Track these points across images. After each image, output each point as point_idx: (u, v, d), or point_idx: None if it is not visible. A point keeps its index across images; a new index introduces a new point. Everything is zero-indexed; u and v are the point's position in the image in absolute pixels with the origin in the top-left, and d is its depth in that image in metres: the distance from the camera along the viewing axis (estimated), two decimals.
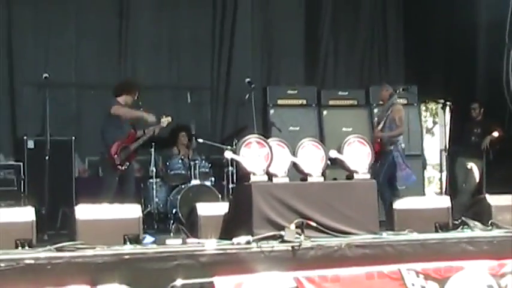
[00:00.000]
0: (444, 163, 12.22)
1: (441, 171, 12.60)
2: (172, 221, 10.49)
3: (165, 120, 10.45)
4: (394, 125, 10.40)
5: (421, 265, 6.90)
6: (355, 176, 7.71)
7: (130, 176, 10.19)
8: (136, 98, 10.15)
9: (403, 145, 10.38)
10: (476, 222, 8.04)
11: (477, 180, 11.49)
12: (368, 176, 7.75)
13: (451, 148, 11.88)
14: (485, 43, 12.43)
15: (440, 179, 12.58)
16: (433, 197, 11.93)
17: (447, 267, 6.96)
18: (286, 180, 7.46)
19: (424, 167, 12.86)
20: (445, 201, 8.29)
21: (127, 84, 10.33)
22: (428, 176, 15.85)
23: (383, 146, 10.23)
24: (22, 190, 10.78)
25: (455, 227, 8.02)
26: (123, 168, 9.94)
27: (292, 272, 6.50)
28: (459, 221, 8.12)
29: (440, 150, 12.81)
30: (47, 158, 9.46)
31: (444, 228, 7.95)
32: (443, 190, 11.87)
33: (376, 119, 11.12)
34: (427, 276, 6.85)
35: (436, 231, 7.90)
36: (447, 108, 11.75)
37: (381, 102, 11.23)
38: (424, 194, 12.40)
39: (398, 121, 10.40)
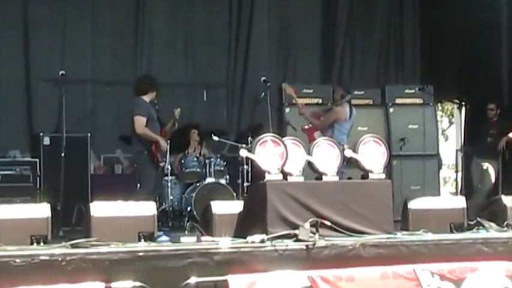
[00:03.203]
0: (460, 163, 12.18)
1: (457, 171, 12.56)
2: (186, 219, 10.50)
3: (177, 113, 10.25)
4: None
5: (435, 265, 6.88)
6: (370, 175, 7.70)
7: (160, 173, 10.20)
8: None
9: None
10: (492, 223, 8.01)
11: (493, 180, 11.44)
12: (383, 175, 7.74)
13: (466, 148, 11.84)
14: (507, 42, 12.37)
15: (456, 180, 12.54)
16: (449, 198, 11.89)
17: (462, 268, 6.94)
18: (301, 179, 7.46)
19: (439, 167, 12.82)
20: (461, 202, 8.27)
21: (151, 80, 9.99)
22: (443, 176, 15.82)
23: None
24: (38, 186, 10.83)
25: (470, 228, 7.99)
26: (162, 165, 9.93)
27: (306, 271, 6.50)
28: (474, 221, 8.09)
29: (456, 151, 12.77)
30: (62, 154, 9.46)
31: (459, 228, 7.93)
32: (459, 190, 11.82)
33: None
34: (442, 277, 6.83)
35: (451, 231, 7.88)
36: (463, 109, 11.71)
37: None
38: (439, 194, 12.36)
39: (327, 117, 10.27)
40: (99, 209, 7.06)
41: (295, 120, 11.55)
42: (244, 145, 10.14)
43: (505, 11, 12.32)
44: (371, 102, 12.67)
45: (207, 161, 11.07)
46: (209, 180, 10.93)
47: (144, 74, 11.68)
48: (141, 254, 6.29)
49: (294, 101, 10.95)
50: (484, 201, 10.01)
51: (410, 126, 12.42)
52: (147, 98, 9.73)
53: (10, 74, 11.97)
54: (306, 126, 10.43)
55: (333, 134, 9.88)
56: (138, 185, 9.96)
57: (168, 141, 10.07)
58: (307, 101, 12.22)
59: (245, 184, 10.92)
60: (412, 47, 14.28)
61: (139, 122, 9.49)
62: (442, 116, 19.58)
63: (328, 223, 7.13)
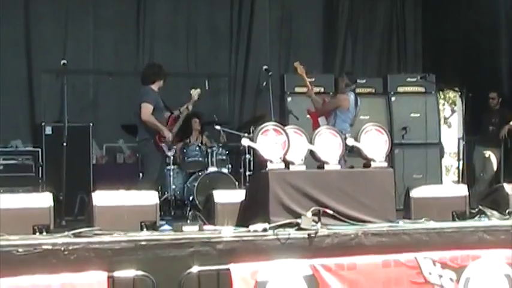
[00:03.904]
0: (462, 152, 12.19)
1: (459, 159, 12.57)
2: (189, 208, 10.51)
3: (196, 93, 10.34)
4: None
5: (437, 254, 6.88)
6: (372, 164, 7.69)
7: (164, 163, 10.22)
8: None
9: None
10: (494, 211, 8.01)
11: (495, 169, 11.47)
12: (385, 164, 7.74)
13: (468, 137, 11.85)
14: (506, 30, 12.36)
15: (458, 168, 12.55)
16: (451, 186, 11.87)
17: (464, 256, 6.94)
18: (303, 168, 7.45)
19: (441, 155, 12.82)
20: (463, 190, 8.25)
21: (157, 69, 9.98)
22: (445, 164, 15.82)
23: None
24: (40, 176, 10.84)
25: (472, 216, 7.98)
26: (170, 153, 9.94)
27: (308, 260, 6.50)
28: (476, 209, 8.09)
29: (458, 139, 12.78)
30: (64, 144, 9.48)
31: (461, 217, 7.91)
32: (461, 179, 11.83)
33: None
34: (444, 265, 6.84)
35: (453, 219, 7.87)
36: (464, 97, 11.71)
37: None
38: (441, 183, 12.37)
39: (330, 103, 10.31)
40: (102, 198, 7.06)
41: (297, 109, 11.57)
42: (246, 134, 10.14)
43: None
44: (373, 91, 12.67)
45: (209, 150, 11.08)
46: (211, 169, 10.94)
47: (151, 62, 11.62)
48: (143, 243, 6.29)
49: (303, 82, 10.86)
50: (486, 189, 10.02)
51: (412, 114, 12.42)
52: (154, 86, 9.78)
53: (12, 65, 12.00)
54: (312, 110, 10.48)
55: (335, 122, 9.90)
56: (141, 174, 9.98)
57: (177, 128, 10.10)
58: None
59: (247, 173, 10.95)
60: (414, 36, 14.28)
61: (146, 109, 9.54)
62: (444, 105, 19.58)
63: (330, 212, 7.13)
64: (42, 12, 12.30)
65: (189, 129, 11.46)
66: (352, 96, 10.38)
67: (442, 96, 17.25)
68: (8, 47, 11.85)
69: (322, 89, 12.29)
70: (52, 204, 6.93)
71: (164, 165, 10.37)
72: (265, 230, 6.72)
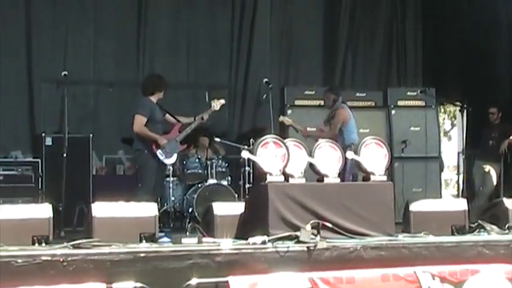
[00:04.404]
0: (461, 166, 12.19)
1: (458, 173, 12.57)
2: (188, 220, 10.49)
3: (218, 104, 10.19)
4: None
5: (436, 268, 6.88)
6: (372, 177, 7.70)
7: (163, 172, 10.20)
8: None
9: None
10: (493, 226, 8.02)
11: (494, 183, 11.45)
12: (385, 177, 7.74)
13: (468, 151, 11.85)
14: (507, 45, 12.38)
15: (458, 182, 12.54)
16: (450, 200, 11.88)
17: (463, 270, 6.94)
18: (303, 180, 7.46)
19: (441, 169, 12.81)
20: (462, 204, 8.26)
21: (157, 80, 9.94)
22: (445, 178, 15.81)
23: None
24: (40, 187, 10.83)
25: (471, 230, 7.99)
26: (169, 162, 9.90)
27: (307, 273, 6.50)
28: (476, 224, 8.09)
29: (458, 153, 12.78)
30: (64, 155, 9.48)
31: (460, 231, 7.92)
32: (460, 193, 11.83)
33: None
34: (443, 279, 6.83)
35: (453, 234, 7.88)
36: (464, 111, 11.72)
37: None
38: (441, 197, 12.36)
39: (334, 124, 10.31)
40: (101, 209, 7.06)
41: (297, 122, 11.55)
42: (246, 146, 10.13)
43: (505, 14, 12.33)
44: (373, 104, 12.65)
45: (208, 162, 11.07)
46: (211, 181, 10.92)
47: (152, 72, 11.59)
48: (142, 255, 6.29)
49: (296, 130, 10.84)
50: (485, 204, 10.02)
51: (412, 128, 12.41)
52: (153, 98, 9.76)
53: (12, 75, 12.01)
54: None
55: (343, 138, 9.91)
56: (140, 185, 9.97)
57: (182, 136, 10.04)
58: (310, 102, 12.22)
59: (247, 185, 10.92)
60: (414, 50, 14.30)
61: (138, 120, 9.54)
62: (444, 119, 19.58)
63: (330, 225, 7.13)
64: (42, 21, 12.30)
65: (197, 143, 11.40)
66: (345, 106, 10.42)
67: (443, 110, 17.25)
68: (8, 56, 11.87)
69: (322, 102, 12.28)
70: (51, 215, 6.94)
71: (163, 176, 10.36)
72: (264, 242, 6.73)
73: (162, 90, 9.81)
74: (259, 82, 11.72)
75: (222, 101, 10.30)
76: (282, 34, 13.72)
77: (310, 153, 7.59)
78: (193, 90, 13.03)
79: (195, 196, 10.63)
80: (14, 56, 12.07)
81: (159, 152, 9.63)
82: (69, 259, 6.05)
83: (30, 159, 11.23)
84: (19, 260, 5.93)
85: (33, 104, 12.12)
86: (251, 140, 10.59)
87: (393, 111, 12.47)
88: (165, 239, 7.28)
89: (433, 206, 8.17)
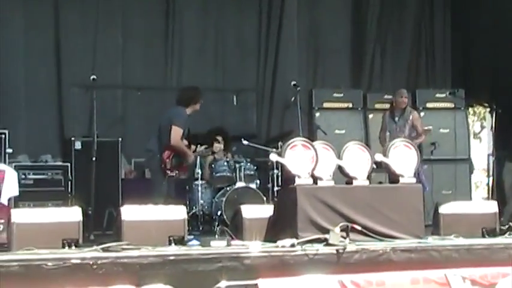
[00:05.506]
0: (492, 168, 12.10)
1: (488, 176, 12.47)
2: (217, 223, 10.50)
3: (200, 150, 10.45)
4: (414, 132, 10.37)
5: (467, 271, 6.83)
6: (401, 179, 7.66)
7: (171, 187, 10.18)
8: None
9: None
10: None
11: None
12: (413, 180, 7.70)
13: (498, 153, 11.76)
14: None
15: (488, 184, 12.45)
16: (480, 202, 11.80)
17: (494, 273, 6.88)
18: (332, 183, 7.44)
19: (471, 171, 12.74)
20: (492, 206, 8.20)
21: (194, 94, 9.99)
22: (475, 180, 15.68)
23: None
24: (69, 190, 10.91)
25: (502, 233, 7.92)
26: (171, 174, 9.90)
27: (336, 275, 6.48)
28: (507, 226, 8.02)
29: (488, 155, 12.69)
30: (93, 158, 9.54)
31: (491, 233, 7.86)
32: (491, 195, 11.74)
33: (394, 126, 10.95)
34: (474, 282, 6.78)
35: (483, 236, 7.81)
36: (494, 113, 11.63)
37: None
38: (471, 199, 12.29)
39: (421, 128, 10.37)
40: (130, 213, 7.09)
41: (325, 125, 11.55)
42: (274, 149, 10.13)
43: None
44: None
45: (237, 165, 11.07)
46: (239, 184, 10.93)
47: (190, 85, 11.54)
48: (171, 258, 6.30)
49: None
50: None
51: (441, 130, 12.36)
52: (188, 110, 9.77)
53: (42, 79, 12.10)
54: None
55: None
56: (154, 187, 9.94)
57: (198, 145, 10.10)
58: (338, 105, 12.20)
59: (275, 188, 10.92)
60: (442, 51, 14.21)
61: (177, 132, 9.54)
62: (474, 120, 19.44)
63: (359, 227, 7.10)
64: (71, 26, 12.36)
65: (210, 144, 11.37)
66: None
67: (472, 112, 17.12)
68: (38, 61, 11.98)
69: (350, 105, 12.27)
70: (81, 218, 6.99)
71: (192, 180, 10.37)
72: (293, 245, 6.71)
73: (197, 103, 9.83)
74: (287, 85, 11.71)
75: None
76: (309, 36, 13.69)
77: (339, 156, 7.56)
78: (221, 94, 13.04)
79: (224, 199, 10.64)
80: (43, 61, 12.16)
81: (167, 161, 9.60)
82: (98, 262, 6.07)
83: (60, 163, 11.32)
84: (49, 263, 5.95)
85: (62, 108, 12.20)
86: (279, 143, 10.59)
87: (422, 113, 12.39)
88: (194, 242, 7.31)
89: (463, 208, 8.11)
